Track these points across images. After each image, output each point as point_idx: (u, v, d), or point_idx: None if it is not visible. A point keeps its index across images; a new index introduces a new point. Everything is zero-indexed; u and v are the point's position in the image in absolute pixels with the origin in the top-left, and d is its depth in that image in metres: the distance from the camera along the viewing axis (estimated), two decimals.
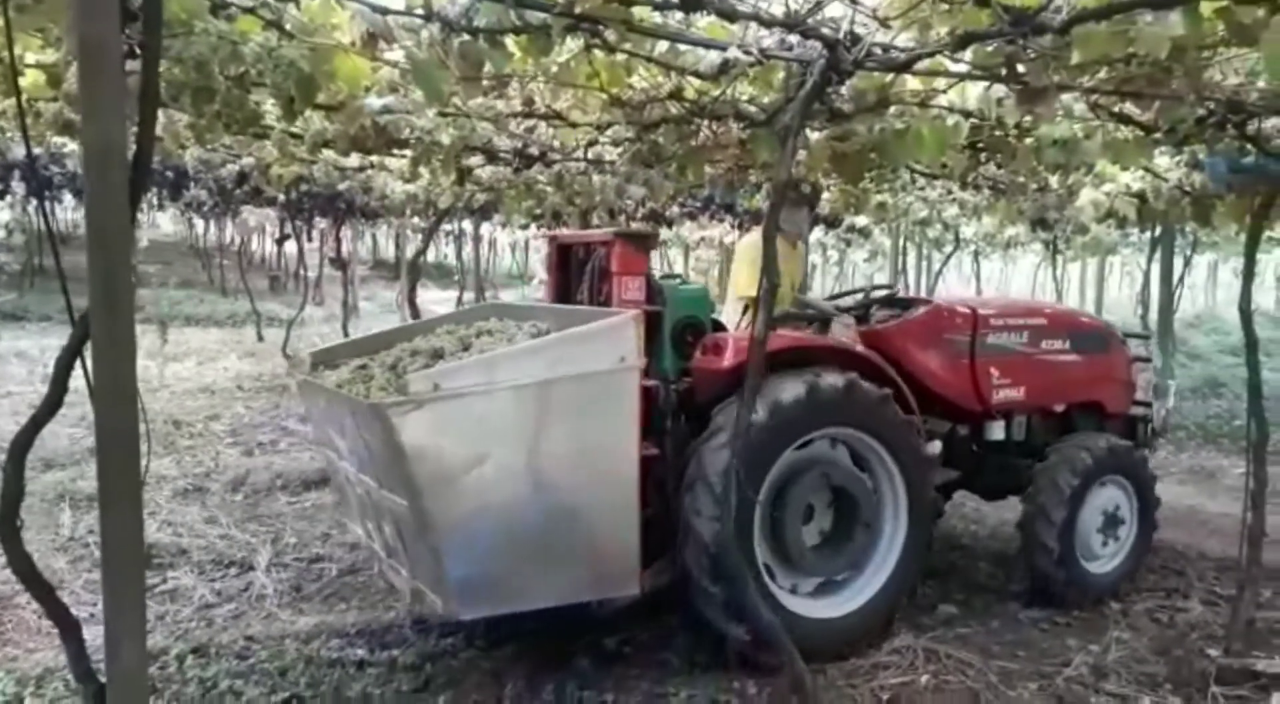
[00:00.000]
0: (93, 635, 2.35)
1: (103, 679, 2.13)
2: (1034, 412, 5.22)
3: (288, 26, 3.15)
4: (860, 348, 4.48)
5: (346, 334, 9.79)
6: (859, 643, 4.20)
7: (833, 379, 4.07)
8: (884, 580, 4.33)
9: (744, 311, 4.81)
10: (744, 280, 4.76)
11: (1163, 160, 5.47)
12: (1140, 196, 5.98)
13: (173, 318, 16.03)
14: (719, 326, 4.62)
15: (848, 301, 5.41)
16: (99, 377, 2.03)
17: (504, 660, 4.15)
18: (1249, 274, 4.28)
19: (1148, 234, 11.95)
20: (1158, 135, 4.20)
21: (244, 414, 9.62)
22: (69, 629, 2.46)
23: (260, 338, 14.84)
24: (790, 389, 3.98)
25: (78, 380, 2.22)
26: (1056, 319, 5.38)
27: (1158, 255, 11.72)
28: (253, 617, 4.63)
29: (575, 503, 3.54)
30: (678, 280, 4.86)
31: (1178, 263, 12.42)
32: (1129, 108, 3.89)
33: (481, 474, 3.35)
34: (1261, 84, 3.53)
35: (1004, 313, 5.18)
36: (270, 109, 4.25)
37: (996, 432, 5.08)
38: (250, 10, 2.98)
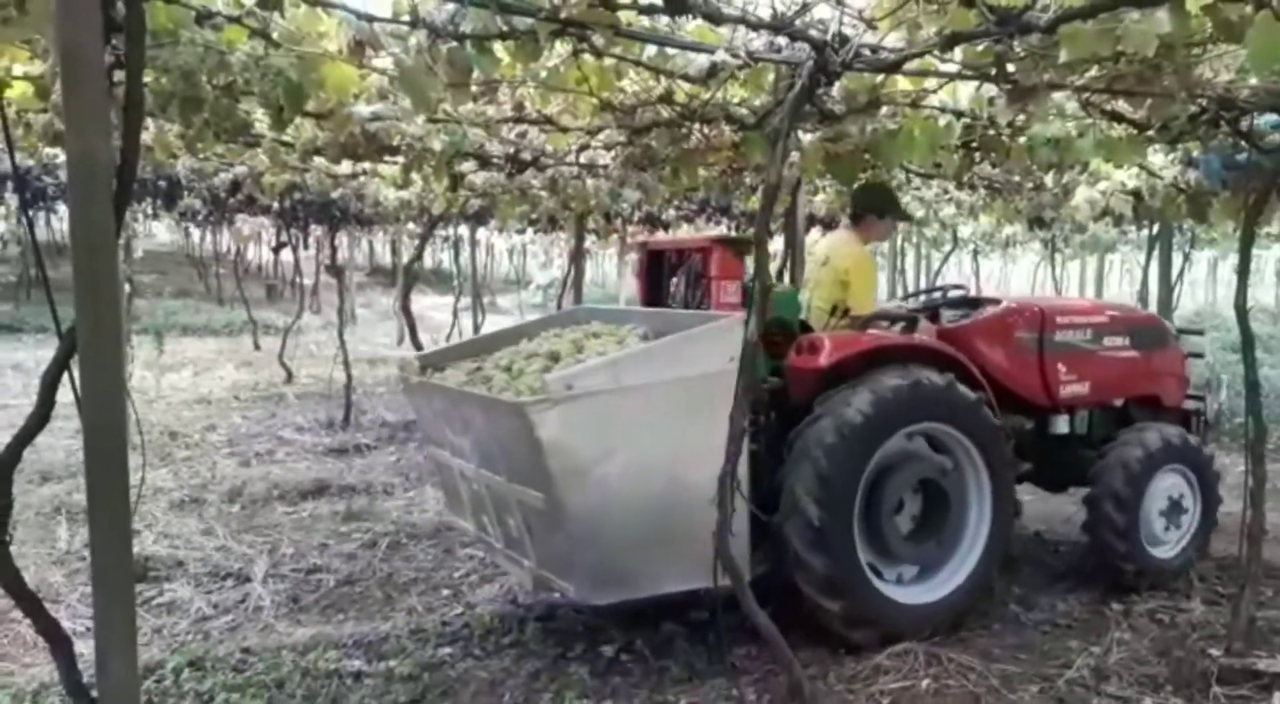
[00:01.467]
0: (89, 649, 2.33)
1: (95, 694, 2.12)
2: (1095, 406, 5.38)
3: (274, 35, 3.14)
4: (950, 350, 4.61)
5: (342, 343, 9.76)
6: (943, 627, 4.39)
7: (934, 377, 4.28)
8: (969, 569, 4.50)
9: (832, 313, 4.96)
10: (865, 298, 4.94)
11: (1157, 158, 5.46)
12: (1136, 194, 5.97)
13: (169, 328, 16.04)
14: (805, 327, 4.78)
15: (919, 301, 5.67)
16: (86, 389, 2.02)
17: (501, 670, 4.13)
18: (1244, 271, 4.25)
19: (1145, 232, 11.93)
20: (1150, 133, 4.19)
21: (241, 424, 9.61)
22: (59, 643, 2.44)
23: (257, 347, 14.83)
24: (894, 384, 4.17)
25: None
26: (1117, 317, 5.54)
27: (1156, 253, 11.70)
28: (249, 628, 4.61)
29: (691, 494, 3.65)
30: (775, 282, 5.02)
31: (1177, 260, 12.40)
32: (1121, 106, 3.88)
33: (608, 468, 3.59)
34: (1253, 81, 3.52)
35: (1070, 311, 5.37)
36: (260, 118, 4.25)
37: (1061, 425, 5.24)
38: (236, 20, 2.97)
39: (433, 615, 4.72)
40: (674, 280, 4.99)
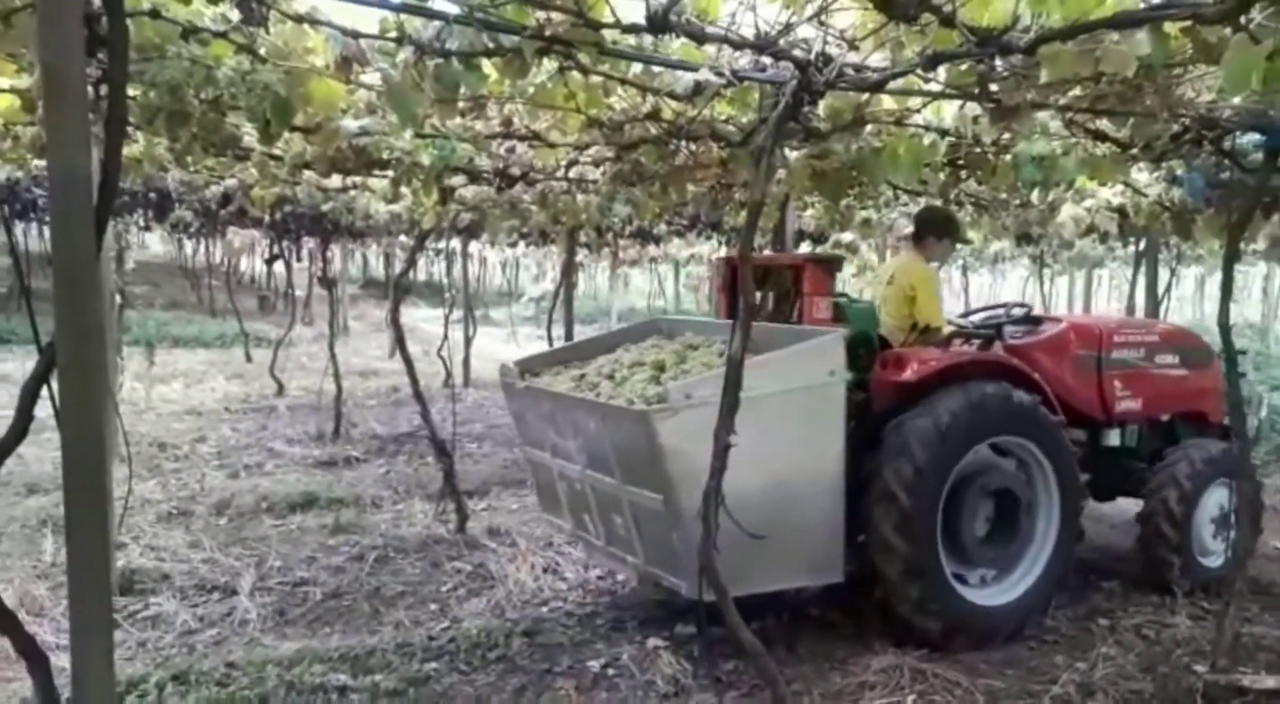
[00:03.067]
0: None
1: None
2: (1144, 420, 5.61)
3: (262, 51, 3.15)
4: (1028, 369, 4.84)
5: (332, 355, 9.75)
6: (1020, 628, 4.63)
7: (1023, 395, 4.60)
8: (1033, 579, 4.73)
9: (911, 330, 5.23)
10: (932, 310, 5.21)
11: (1141, 176, 5.50)
12: (1121, 211, 6.01)
13: (160, 339, 15.99)
14: (885, 342, 5.02)
15: (979, 317, 5.96)
16: (65, 404, 2.01)
17: (487, 685, 4.12)
18: (1227, 288, 4.28)
19: (1132, 248, 11.98)
20: (1134, 152, 4.22)
21: (230, 436, 9.58)
22: (35, 660, 2.42)
23: (248, 359, 14.80)
24: (988, 394, 4.50)
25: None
26: (1167, 336, 5.81)
27: (1143, 269, 11.75)
28: (235, 642, 4.59)
29: (794, 498, 4.05)
30: (845, 299, 5.22)
31: (1164, 276, 12.45)
32: (1104, 125, 3.91)
33: None
34: (1236, 100, 3.55)
35: (1125, 330, 5.64)
36: (248, 132, 4.26)
37: (1113, 438, 5.51)
38: (222, 35, 2.98)
39: (419, 629, 4.71)
40: (759, 295, 5.21)
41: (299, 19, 2.98)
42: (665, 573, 4.16)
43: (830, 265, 5.04)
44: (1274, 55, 2.34)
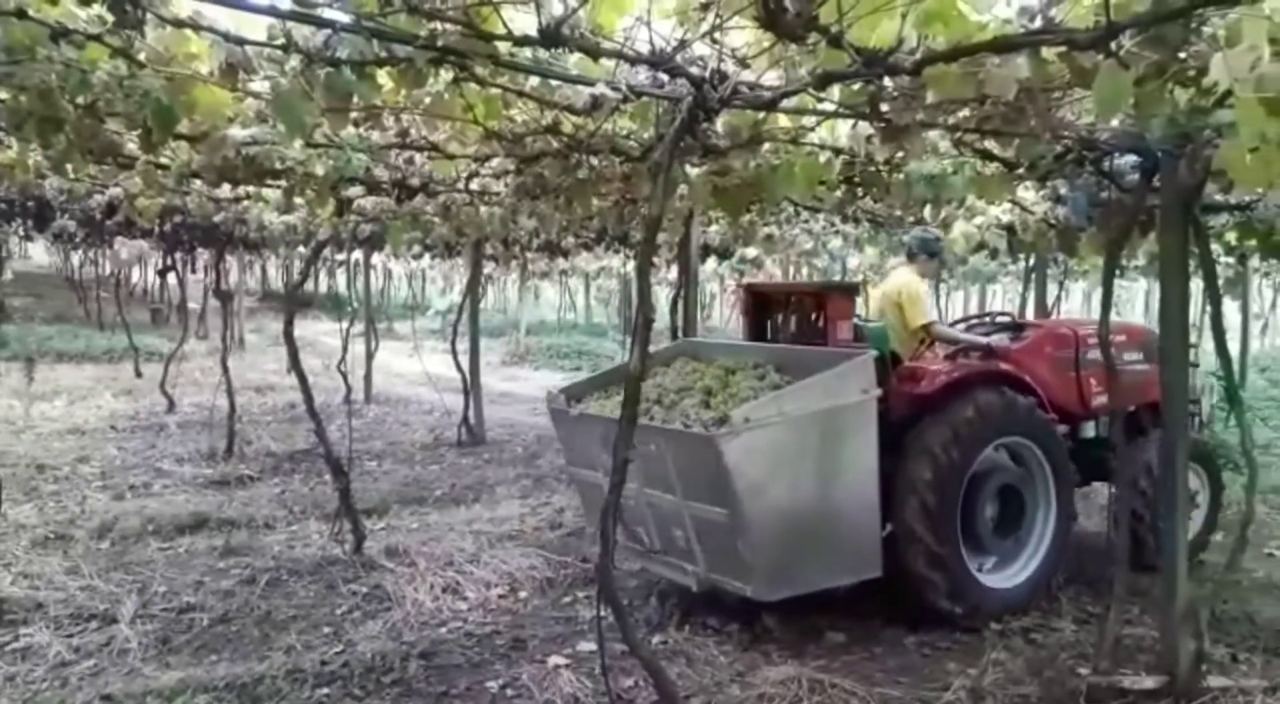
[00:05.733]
0: None
1: None
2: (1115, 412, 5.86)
3: (141, 56, 3.02)
4: (1026, 377, 5.38)
5: (225, 370, 9.43)
6: (1023, 605, 5.16)
7: (1021, 399, 5.17)
8: (1037, 562, 5.31)
9: (921, 343, 5.79)
10: (915, 313, 5.77)
11: (1028, 194, 5.71)
12: (1009, 229, 6.23)
13: (42, 354, 15.22)
14: (895, 357, 5.51)
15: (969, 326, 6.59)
16: None
17: None
18: (1106, 303, 4.46)
19: (1022, 263, 12.43)
20: (1020, 171, 4.38)
21: (116, 455, 9.17)
22: None
23: (138, 374, 14.20)
24: (994, 400, 5.06)
25: None
26: (1132, 334, 6.30)
27: (1033, 283, 12.20)
28: (113, 674, 4.37)
29: (838, 505, 4.52)
30: (860, 320, 5.69)
31: (1053, 289, 12.96)
32: (991, 145, 4.04)
33: (778, 486, 4.34)
34: (1114, 123, 3.70)
35: (1096, 331, 5.81)
36: (132, 139, 4.08)
37: (1088, 430, 6.02)
38: (96, 38, 2.84)
39: (311, 654, 4.57)
40: (779, 318, 5.82)
41: (179, 24, 2.87)
42: (729, 579, 4.57)
43: (850, 292, 5.64)
44: (1142, 81, 2.46)
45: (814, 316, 5.54)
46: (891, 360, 5.37)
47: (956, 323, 6.76)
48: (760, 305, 5.94)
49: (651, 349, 6.71)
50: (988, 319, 6.71)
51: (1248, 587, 5.45)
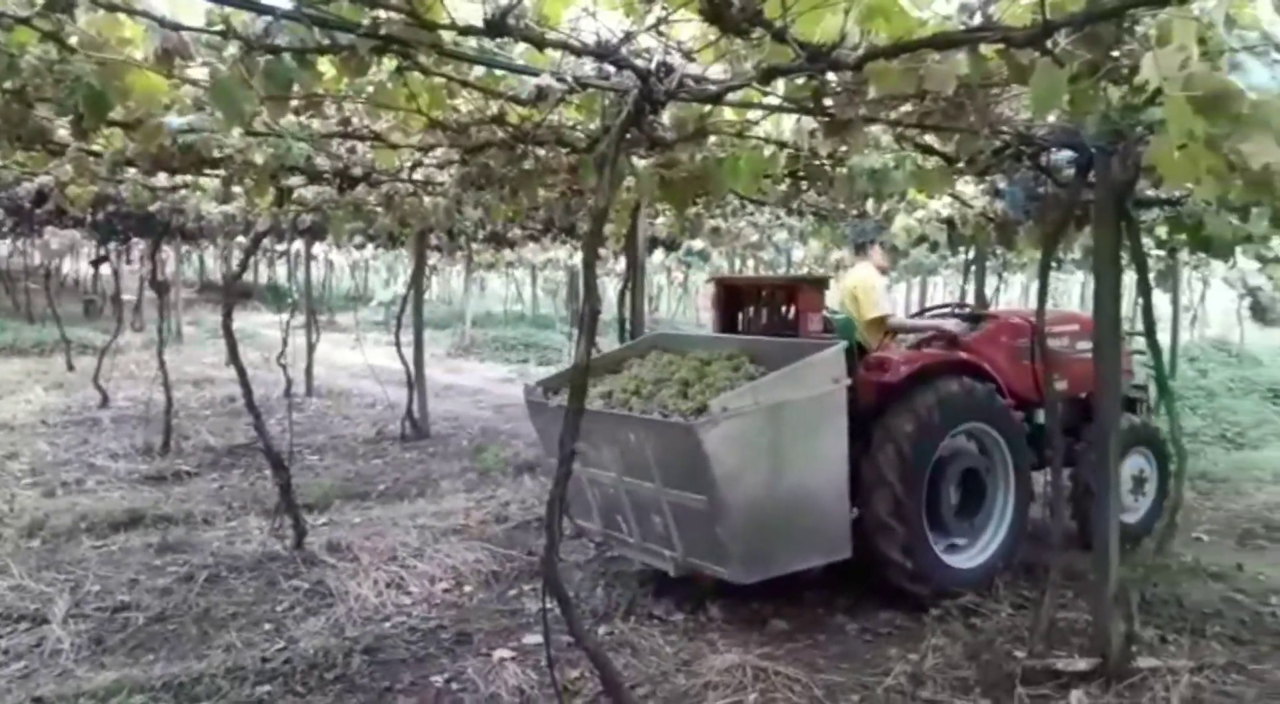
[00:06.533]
0: None
1: None
2: (1070, 399, 6.14)
3: (72, 40, 2.93)
4: (986, 365, 5.55)
5: (162, 362, 9.21)
6: (985, 585, 5.29)
7: (979, 386, 5.37)
8: (998, 542, 5.51)
9: (891, 332, 5.99)
10: (868, 305, 5.95)
11: (967, 188, 5.81)
12: (949, 222, 6.34)
13: None
14: (862, 349, 5.64)
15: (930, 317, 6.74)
16: None
17: None
18: (1043, 295, 4.57)
19: (963, 257, 12.65)
20: (959, 165, 4.46)
21: (47, 451, 8.92)
22: None
23: (70, 367, 13.83)
24: (955, 389, 5.22)
25: None
26: (1085, 324, 6.30)
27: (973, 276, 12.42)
28: (44, 675, 4.25)
29: (810, 490, 4.68)
30: (829, 313, 5.85)
31: (992, 282, 13.22)
32: (931, 140, 4.11)
33: (754, 472, 4.45)
34: (1050, 119, 3.79)
35: (1053, 322, 6.10)
36: (63, 125, 3.96)
37: (1043, 416, 5.92)
38: (24, 21, 2.75)
39: (252, 651, 4.49)
40: (750, 311, 5.93)
41: (112, 7, 2.79)
42: (707, 563, 4.68)
43: (820, 285, 5.79)
44: (1077, 78, 2.52)
45: (785, 309, 5.69)
46: (858, 351, 5.49)
47: (918, 314, 6.92)
48: (732, 298, 6.05)
49: (606, 342, 6.72)
50: (947, 310, 6.94)
51: (1176, 570, 5.61)
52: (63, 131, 4.22)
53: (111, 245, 13.01)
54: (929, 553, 5.13)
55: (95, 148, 4.58)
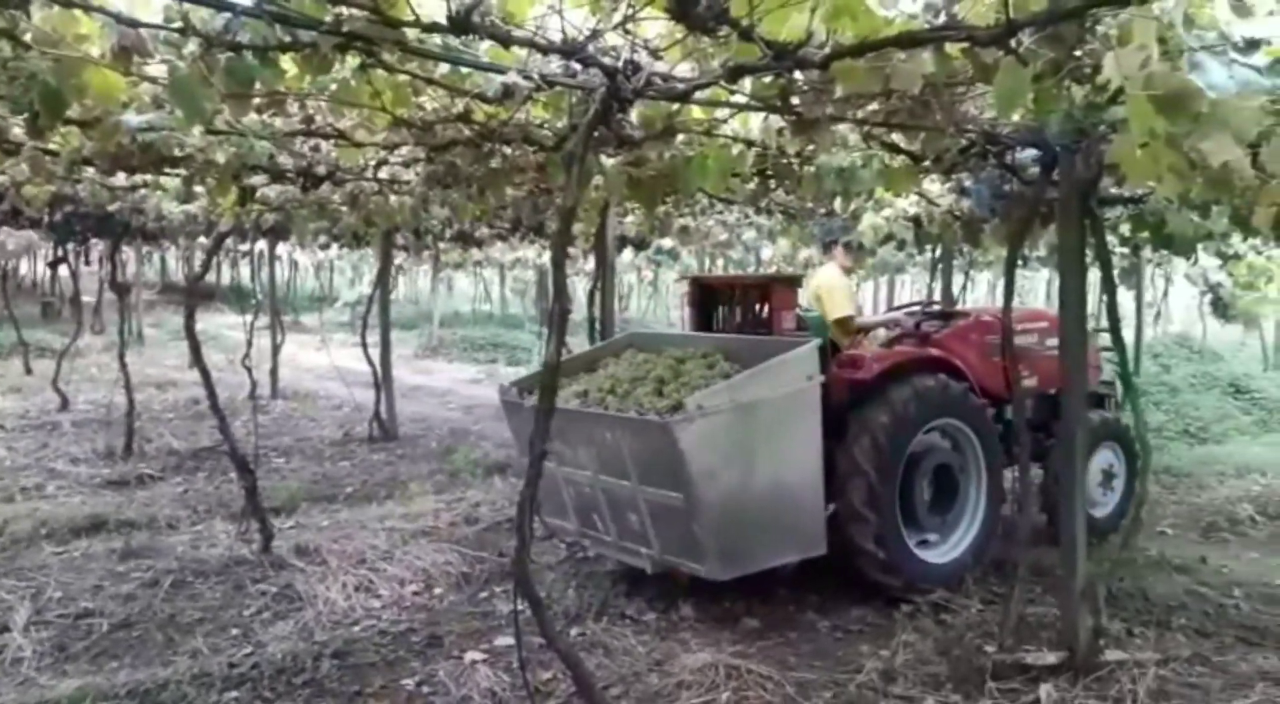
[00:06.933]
0: None
1: None
2: (1040, 395, 6.27)
3: (27, 37, 2.87)
4: (958, 362, 5.61)
5: (123, 365, 9.06)
6: (958, 579, 5.33)
7: (953, 383, 5.41)
8: (970, 538, 5.58)
9: (857, 332, 6.11)
10: (832, 306, 6.06)
11: (934, 187, 5.85)
12: (916, 220, 6.38)
13: None
14: (835, 347, 5.75)
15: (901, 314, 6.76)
16: None
17: None
18: (1009, 291, 4.60)
19: (930, 255, 12.75)
20: (926, 164, 4.48)
21: (5, 456, 8.75)
22: None
23: (28, 371, 13.57)
24: (929, 385, 5.29)
25: None
26: (1053, 321, 6.27)
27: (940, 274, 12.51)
28: (5, 684, 4.17)
29: (786, 486, 4.70)
30: (802, 311, 5.93)
31: (959, 280, 13.32)
32: (898, 138, 4.12)
33: (729, 470, 4.47)
34: (1015, 118, 3.82)
35: (1022, 319, 6.28)
36: (18, 124, 3.89)
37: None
38: None
39: (219, 657, 4.43)
40: (724, 309, 5.99)
41: (67, 3, 2.74)
42: (684, 560, 4.71)
43: (793, 284, 5.82)
44: (1041, 77, 2.53)
45: (759, 307, 5.73)
46: (831, 348, 5.54)
47: (894, 310, 7.01)
48: (707, 297, 6.10)
49: (576, 341, 6.71)
50: (917, 308, 6.99)
51: (1142, 564, 5.69)
52: (18, 130, 4.16)
53: (70, 246, 12.75)
54: (901, 545, 5.17)
55: (52, 146, 4.50)
